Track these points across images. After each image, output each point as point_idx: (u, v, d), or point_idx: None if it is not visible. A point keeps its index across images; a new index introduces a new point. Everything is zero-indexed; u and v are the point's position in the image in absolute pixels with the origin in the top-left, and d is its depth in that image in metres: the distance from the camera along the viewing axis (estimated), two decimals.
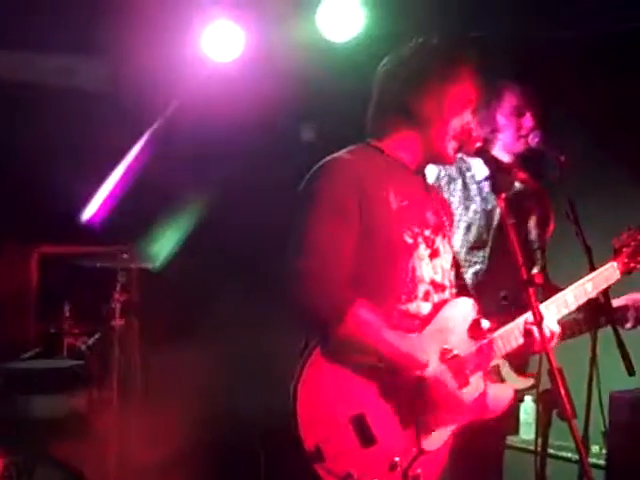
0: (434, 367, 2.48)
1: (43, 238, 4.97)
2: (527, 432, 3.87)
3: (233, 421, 4.74)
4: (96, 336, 4.50)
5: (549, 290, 2.83)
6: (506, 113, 3.38)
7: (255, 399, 4.86)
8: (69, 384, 4.06)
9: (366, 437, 2.39)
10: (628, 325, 3.31)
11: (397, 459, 2.43)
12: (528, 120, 3.37)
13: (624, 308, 3.31)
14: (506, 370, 2.72)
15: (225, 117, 4.91)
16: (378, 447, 2.40)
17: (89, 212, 4.89)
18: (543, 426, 2.97)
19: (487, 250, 3.33)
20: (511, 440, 4.03)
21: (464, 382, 2.55)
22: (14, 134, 5.17)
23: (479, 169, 3.35)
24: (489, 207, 3.36)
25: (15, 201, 5.06)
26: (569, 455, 4.08)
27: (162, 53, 5.04)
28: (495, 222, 3.35)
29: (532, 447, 3.16)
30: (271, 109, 4.93)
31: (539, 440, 3.01)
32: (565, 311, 2.77)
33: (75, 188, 5.17)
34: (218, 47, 4.97)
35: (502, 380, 2.72)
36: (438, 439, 2.51)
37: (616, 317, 3.23)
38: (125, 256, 4.49)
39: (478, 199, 3.35)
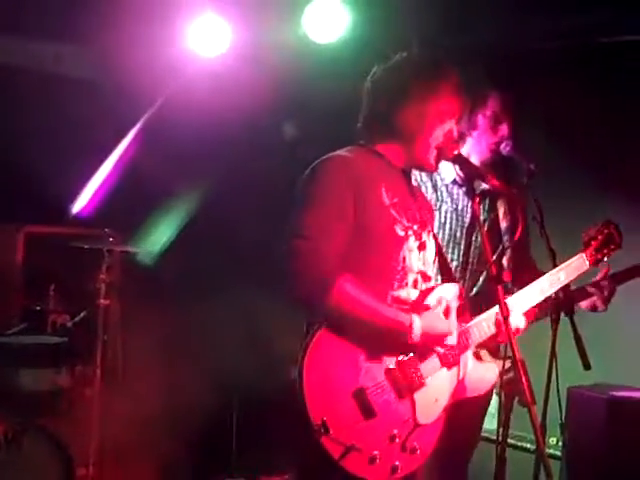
0: (424, 317, 2.63)
1: (29, 218, 5.06)
2: (489, 422, 4.04)
3: (211, 398, 4.91)
4: (81, 315, 4.63)
5: (534, 275, 3.07)
6: (486, 118, 3.50)
7: (234, 377, 5.06)
8: (54, 359, 4.20)
9: (367, 411, 2.55)
10: (601, 308, 3.47)
11: (396, 431, 2.61)
12: (504, 129, 3.51)
13: (591, 292, 3.48)
14: (484, 354, 2.93)
15: (209, 111, 5.02)
16: (378, 420, 2.57)
17: (78, 205, 4.98)
18: (505, 414, 3.19)
19: (462, 247, 3.52)
20: None
21: (453, 361, 2.74)
22: (1, 117, 5.28)
23: (446, 172, 3.50)
24: (460, 207, 3.50)
25: (2, 182, 5.17)
26: (528, 446, 4.24)
27: (149, 43, 5.14)
28: (467, 220, 3.53)
29: (494, 437, 3.38)
30: (255, 105, 5.05)
31: (501, 430, 3.23)
32: (542, 297, 3.00)
33: (62, 170, 5.28)
34: (204, 41, 5.09)
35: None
36: (432, 414, 2.71)
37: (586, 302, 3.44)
38: (111, 239, 4.62)
39: (449, 200, 3.49)
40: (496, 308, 2.81)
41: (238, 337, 5.11)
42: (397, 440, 2.62)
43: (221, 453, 5.13)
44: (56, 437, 3.76)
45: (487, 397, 3.20)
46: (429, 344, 2.67)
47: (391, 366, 2.63)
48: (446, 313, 2.72)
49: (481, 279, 3.49)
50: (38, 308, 4.74)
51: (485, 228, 3.47)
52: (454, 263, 3.47)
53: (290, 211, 2.66)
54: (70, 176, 5.30)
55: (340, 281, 2.55)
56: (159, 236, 5.02)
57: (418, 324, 2.62)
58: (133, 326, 4.83)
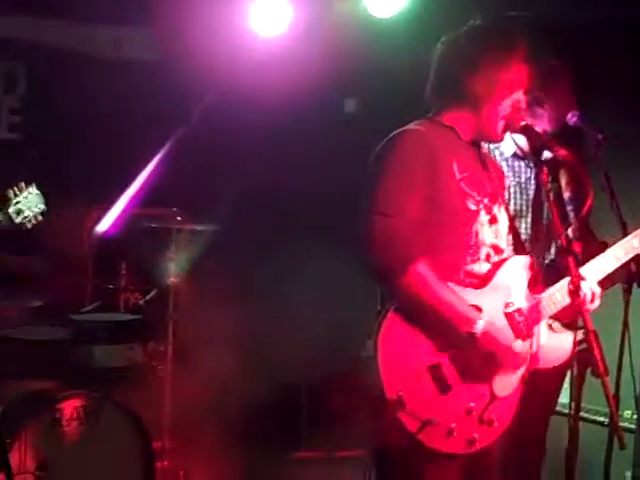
0: (493, 321, 2.64)
1: (98, 199, 5.17)
2: (561, 396, 4.00)
3: (280, 373, 4.99)
4: (152, 293, 4.73)
5: (596, 246, 3.05)
6: (552, 92, 3.47)
7: (303, 353, 5.12)
8: (128, 336, 4.30)
9: (442, 385, 2.57)
10: None
11: (472, 404, 2.62)
12: (570, 101, 3.48)
13: None
14: (557, 326, 2.92)
15: (270, 89, 5.06)
16: (454, 394, 2.58)
17: (104, 225, 5.03)
18: (577, 386, 3.17)
19: (528, 220, 3.50)
20: None
21: (527, 333, 2.72)
22: (71, 101, 5.41)
23: (505, 146, 3.47)
24: (523, 180, 3.50)
25: (71, 164, 5.30)
26: (601, 419, 4.17)
27: (211, 25, 5.20)
28: (531, 193, 3.51)
29: (566, 410, 3.36)
30: (316, 82, 5.08)
31: (573, 404, 3.22)
32: (617, 264, 2.95)
33: (128, 152, 5.39)
34: (265, 20, 5.13)
35: None
36: (508, 386, 2.70)
37: None
38: (179, 218, 4.69)
39: (511, 174, 3.47)
40: (567, 279, 2.79)
41: (310, 311, 5.16)
42: (474, 413, 2.63)
43: (294, 427, 5.21)
44: (132, 411, 3.87)
45: (562, 370, 3.19)
46: (489, 348, 2.63)
47: (461, 342, 2.61)
48: (517, 330, 2.71)
49: (552, 251, 3.48)
50: (111, 287, 4.86)
51: (554, 202, 3.45)
52: (523, 237, 3.45)
53: (365, 185, 2.67)
54: (135, 157, 5.41)
55: (416, 264, 2.55)
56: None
57: (482, 323, 2.60)
58: (203, 303, 4.92)
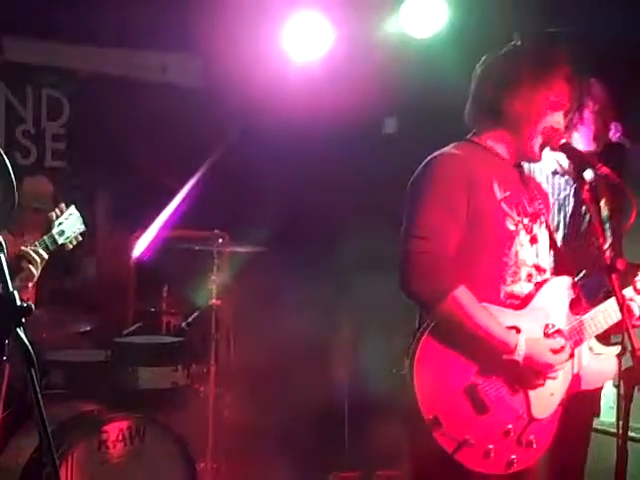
0: (533, 343, 2.63)
1: (142, 223, 5.22)
2: (608, 415, 3.94)
3: (321, 392, 4.99)
4: (194, 315, 4.76)
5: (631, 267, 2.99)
6: (592, 112, 3.42)
7: (343, 372, 5.11)
8: (171, 359, 4.32)
9: (479, 406, 2.57)
10: None
11: (510, 426, 2.61)
12: (611, 121, 3.44)
13: None
14: (593, 343, 2.88)
15: (309, 110, 5.10)
16: (491, 415, 2.58)
17: (138, 250, 5.07)
18: (625, 404, 3.12)
19: (560, 235, 3.45)
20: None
21: (568, 355, 2.70)
22: (114, 125, 5.49)
23: (545, 163, 3.42)
24: (562, 197, 3.48)
25: (115, 189, 5.37)
26: None
27: (252, 51, 5.25)
28: (569, 210, 3.48)
29: (613, 429, 3.30)
30: (355, 103, 5.09)
31: (620, 423, 3.16)
32: None
33: (174, 174, 5.46)
34: (306, 42, 5.15)
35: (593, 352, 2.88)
36: (547, 408, 2.69)
37: None
38: (220, 240, 4.72)
39: (550, 191, 3.43)
40: (612, 299, 2.76)
41: (353, 330, 5.16)
42: (512, 434, 2.62)
43: (335, 447, 5.19)
44: (176, 432, 3.89)
45: (594, 393, 3.15)
46: (531, 369, 2.63)
47: (499, 364, 2.61)
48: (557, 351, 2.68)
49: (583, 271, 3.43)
50: (152, 310, 4.90)
51: (598, 218, 3.41)
52: None
53: (403, 210, 2.69)
54: (177, 181, 5.47)
55: (455, 290, 2.56)
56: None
57: (523, 349, 2.60)
58: (244, 324, 4.94)
